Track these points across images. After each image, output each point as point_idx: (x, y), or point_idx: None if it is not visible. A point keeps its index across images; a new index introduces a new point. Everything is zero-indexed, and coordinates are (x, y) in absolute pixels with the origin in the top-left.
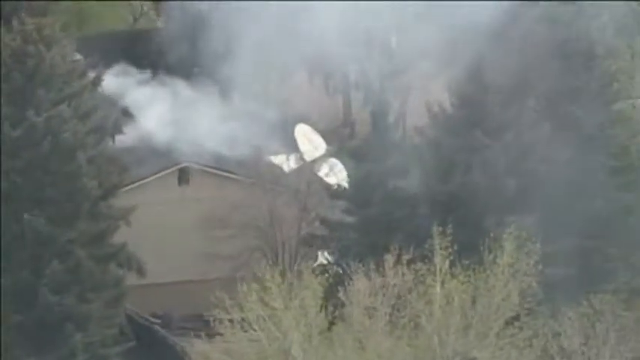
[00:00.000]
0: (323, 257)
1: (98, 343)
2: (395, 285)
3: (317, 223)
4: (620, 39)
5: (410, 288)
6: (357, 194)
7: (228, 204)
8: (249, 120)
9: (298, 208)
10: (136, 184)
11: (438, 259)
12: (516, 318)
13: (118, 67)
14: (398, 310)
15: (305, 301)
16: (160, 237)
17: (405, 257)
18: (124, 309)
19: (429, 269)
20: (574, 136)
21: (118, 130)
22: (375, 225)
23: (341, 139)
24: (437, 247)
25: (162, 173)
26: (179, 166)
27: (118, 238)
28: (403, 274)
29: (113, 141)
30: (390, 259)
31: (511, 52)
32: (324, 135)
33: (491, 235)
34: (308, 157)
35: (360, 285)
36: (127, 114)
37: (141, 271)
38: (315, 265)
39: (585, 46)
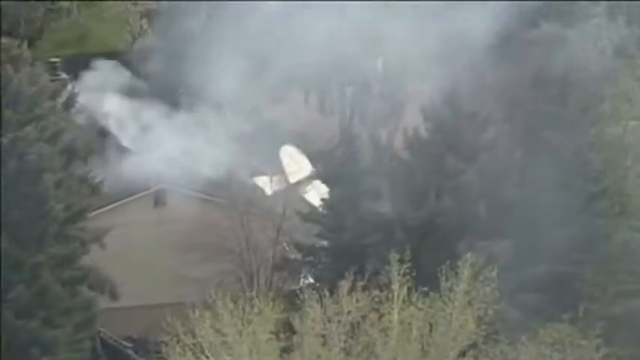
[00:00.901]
0: (305, 281)
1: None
2: (349, 312)
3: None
4: (620, 61)
5: (364, 315)
6: (331, 218)
7: (204, 226)
8: (235, 141)
9: (274, 232)
10: (112, 205)
11: (395, 286)
12: (473, 346)
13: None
14: (352, 338)
15: (258, 328)
16: (135, 259)
17: (360, 284)
18: (96, 332)
19: (386, 296)
20: (550, 161)
21: (90, 151)
22: (348, 250)
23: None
24: (394, 273)
25: (138, 195)
26: (155, 188)
27: (91, 260)
28: (357, 301)
29: (85, 162)
30: (345, 285)
31: (487, 76)
32: (319, 156)
33: (448, 262)
34: (293, 179)
35: (313, 312)
36: (104, 134)
37: (113, 294)
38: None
39: (561, 71)
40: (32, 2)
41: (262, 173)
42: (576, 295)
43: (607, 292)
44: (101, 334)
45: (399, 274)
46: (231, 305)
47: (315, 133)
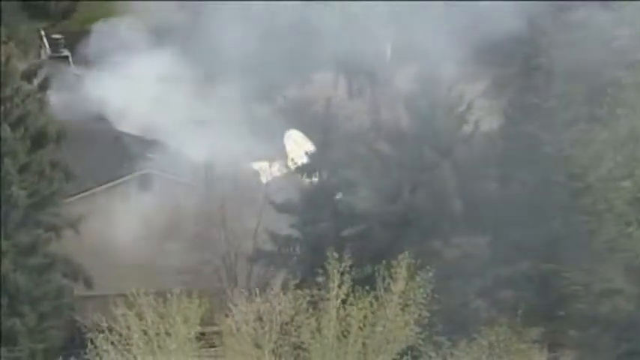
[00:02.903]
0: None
1: (28, 357)
2: (280, 312)
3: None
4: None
5: (292, 315)
6: (307, 210)
7: (188, 213)
8: (246, 123)
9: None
10: (95, 189)
11: (333, 284)
12: (412, 348)
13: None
14: (283, 338)
15: (181, 327)
16: (116, 246)
17: (293, 282)
18: (72, 321)
19: (327, 296)
20: (532, 155)
21: (62, 135)
22: (323, 242)
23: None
24: (331, 272)
25: (123, 179)
26: (140, 172)
27: (66, 247)
28: (294, 300)
29: (58, 146)
30: (276, 283)
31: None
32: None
33: (384, 262)
34: (295, 164)
35: (236, 310)
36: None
37: (87, 282)
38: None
39: (548, 63)
40: None
41: (267, 158)
42: (558, 294)
43: (591, 291)
44: (77, 323)
45: (338, 272)
46: (154, 302)
47: (345, 115)
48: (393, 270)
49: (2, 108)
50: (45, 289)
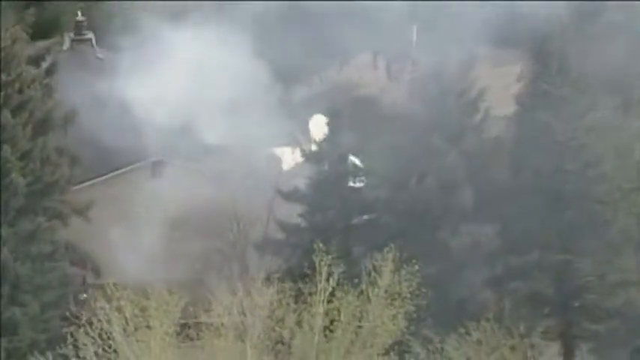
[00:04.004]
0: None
1: (28, 347)
2: (263, 306)
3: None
4: None
5: (274, 309)
6: (315, 198)
7: (198, 201)
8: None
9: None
10: (108, 175)
11: (320, 278)
12: (399, 343)
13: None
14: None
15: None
16: (127, 233)
17: (276, 275)
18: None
19: (311, 290)
20: (544, 142)
21: (69, 120)
22: (332, 230)
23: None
24: (317, 264)
25: (135, 166)
26: (153, 160)
27: (74, 234)
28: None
29: (65, 133)
30: (260, 276)
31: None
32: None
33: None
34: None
35: (216, 303)
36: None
37: (96, 271)
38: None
39: (560, 47)
40: None
41: (293, 144)
42: (571, 285)
43: (605, 282)
44: None
45: (325, 265)
46: (132, 297)
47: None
48: (378, 264)
49: (2, 93)
50: (48, 278)
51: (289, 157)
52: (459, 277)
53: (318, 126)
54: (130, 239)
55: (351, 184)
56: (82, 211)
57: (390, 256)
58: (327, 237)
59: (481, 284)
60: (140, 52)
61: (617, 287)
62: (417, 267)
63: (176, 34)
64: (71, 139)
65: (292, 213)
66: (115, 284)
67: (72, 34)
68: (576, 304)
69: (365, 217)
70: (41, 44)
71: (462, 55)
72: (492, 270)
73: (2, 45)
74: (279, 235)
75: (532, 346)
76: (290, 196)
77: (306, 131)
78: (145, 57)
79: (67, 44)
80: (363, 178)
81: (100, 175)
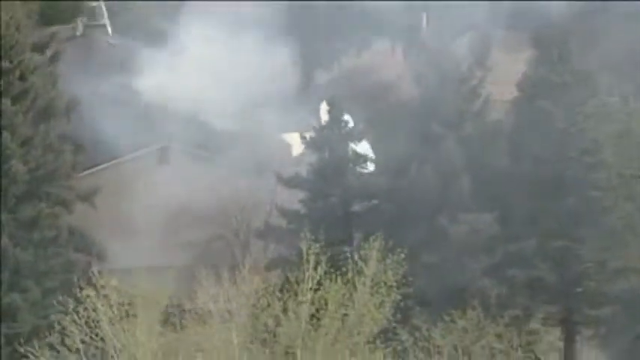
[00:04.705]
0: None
1: (29, 333)
2: (248, 294)
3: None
4: None
5: (259, 297)
6: (315, 184)
7: (204, 188)
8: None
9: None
10: (114, 161)
11: (307, 266)
12: (385, 331)
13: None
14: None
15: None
16: (132, 219)
17: (262, 264)
18: None
19: (296, 279)
20: (544, 129)
21: (71, 108)
22: (332, 217)
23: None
24: (305, 254)
25: (141, 152)
26: (159, 146)
27: (79, 220)
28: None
29: (68, 120)
30: (246, 265)
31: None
32: None
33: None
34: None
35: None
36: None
37: (101, 256)
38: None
39: (561, 36)
40: None
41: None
42: (571, 272)
43: (605, 269)
44: None
45: (312, 254)
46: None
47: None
48: (363, 252)
49: (2, 81)
50: (51, 264)
51: (298, 143)
52: (458, 264)
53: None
54: (135, 225)
55: (359, 169)
56: (87, 198)
57: (376, 245)
58: (326, 223)
59: (480, 271)
60: (153, 38)
61: (617, 273)
62: (402, 256)
63: (190, 18)
64: (77, 125)
65: (295, 199)
66: (99, 272)
67: (85, 20)
68: (576, 291)
69: (365, 203)
70: (46, 32)
71: (473, 40)
72: (491, 257)
73: (5, 32)
74: (281, 222)
75: (531, 332)
76: (290, 182)
77: (318, 117)
78: (157, 43)
79: (80, 30)
80: (366, 164)
81: (105, 162)
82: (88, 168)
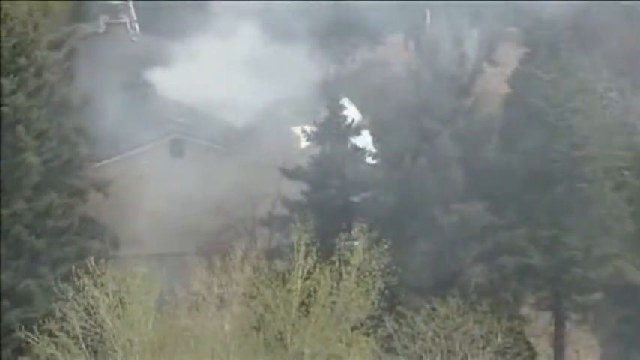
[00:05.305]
0: None
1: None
2: (240, 282)
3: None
4: None
5: (250, 284)
6: (316, 177)
7: (214, 180)
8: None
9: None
10: (128, 153)
11: (297, 255)
12: (372, 317)
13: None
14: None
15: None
16: (145, 208)
17: (253, 253)
18: None
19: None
20: (534, 124)
21: (85, 102)
22: (332, 208)
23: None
24: (295, 243)
25: (154, 144)
26: (172, 137)
27: (93, 209)
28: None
29: (81, 113)
30: (238, 254)
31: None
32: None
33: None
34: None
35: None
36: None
37: (114, 243)
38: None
39: (549, 35)
40: None
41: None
42: (559, 259)
43: (591, 256)
44: None
45: (304, 244)
46: (114, 271)
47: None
48: (348, 243)
49: (17, 77)
50: (66, 251)
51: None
52: (451, 252)
53: None
54: (147, 214)
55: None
56: (101, 188)
57: (362, 235)
58: (326, 214)
59: (472, 259)
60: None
61: (602, 260)
62: (386, 246)
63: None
64: (92, 118)
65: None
66: (96, 260)
67: (108, 18)
68: (565, 277)
69: (364, 194)
70: (64, 30)
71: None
72: (483, 245)
73: (21, 31)
74: (284, 212)
75: (511, 317)
76: (293, 174)
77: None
78: (180, 39)
79: (102, 27)
80: (365, 157)
81: (119, 154)
82: (103, 160)
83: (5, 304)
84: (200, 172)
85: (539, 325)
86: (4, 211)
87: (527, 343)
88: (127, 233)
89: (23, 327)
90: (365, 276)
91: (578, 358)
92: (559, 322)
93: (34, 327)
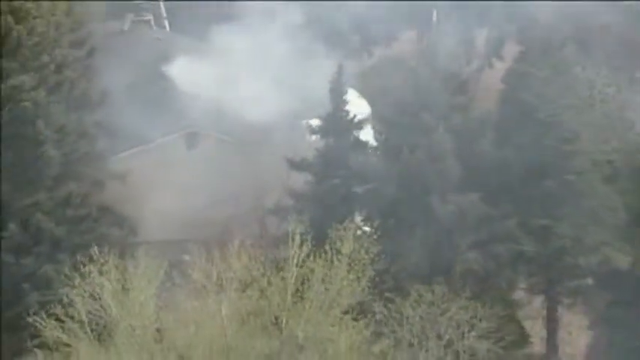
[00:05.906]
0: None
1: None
2: (235, 271)
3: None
4: None
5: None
6: (320, 168)
7: (228, 171)
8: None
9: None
10: (144, 146)
11: (292, 244)
12: (361, 304)
13: None
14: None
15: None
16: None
17: (249, 242)
18: None
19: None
20: (526, 120)
21: (103, 98)
22: (335, 198)
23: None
24: (291, 233)
25: (170, 137)
26: (187, 131)
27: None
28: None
29: (102, 109)
30: (235, 244)
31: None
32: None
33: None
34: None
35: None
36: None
37: (132, 230)
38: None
39: (542, 33)
40: None
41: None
42: (551, 247)
43: (581, 244)
44: None
45: (298, 234)
46: (116, 260)
47: None
48: (339, 233)
49: (38, 74)
50: (86, 238)
51: None
52: (447, 240)
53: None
54: (163, 204)
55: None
56: (119, 179)
57: (352, 225)
58: (329, 204)
59: (467, 247)
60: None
61: (592, 248)
62: (375, 237)
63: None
64: (111, 113)
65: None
66: (99, 249)
67: (132, 16)
68: (556, 264)
69: (365, 186)
70: (84, 29)
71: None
72: (478, 234)
73: (43, 30)
74: (290, 202)
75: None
76: (299, 165)
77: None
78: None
79: (127, 25)
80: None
81: (137, 146)
82: (121, 152)
83: (26, 288)
84: (213, 163)
85: (533, 308)
86: (27, 200)
87: (521, 327)
88: (143, 222)
89: (38, 310)
90: (355, 264)
91: (570, 340)
92: (551, 307)
93: (42, 312)
